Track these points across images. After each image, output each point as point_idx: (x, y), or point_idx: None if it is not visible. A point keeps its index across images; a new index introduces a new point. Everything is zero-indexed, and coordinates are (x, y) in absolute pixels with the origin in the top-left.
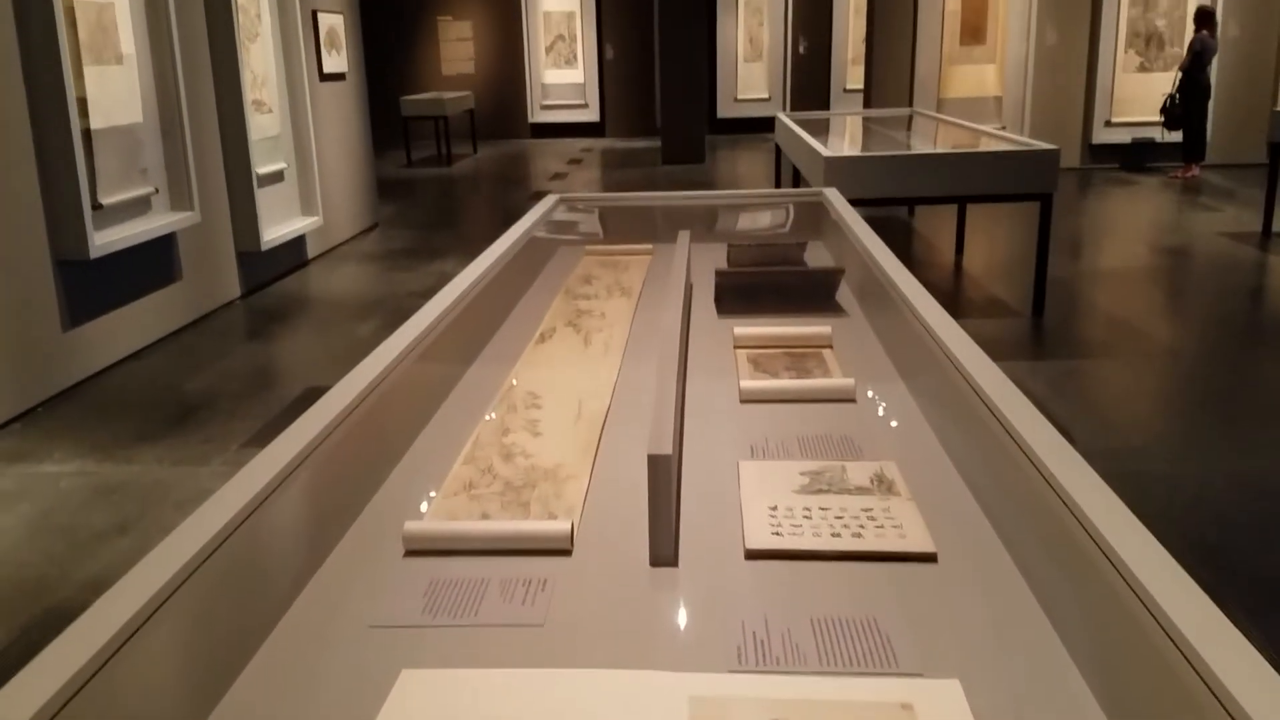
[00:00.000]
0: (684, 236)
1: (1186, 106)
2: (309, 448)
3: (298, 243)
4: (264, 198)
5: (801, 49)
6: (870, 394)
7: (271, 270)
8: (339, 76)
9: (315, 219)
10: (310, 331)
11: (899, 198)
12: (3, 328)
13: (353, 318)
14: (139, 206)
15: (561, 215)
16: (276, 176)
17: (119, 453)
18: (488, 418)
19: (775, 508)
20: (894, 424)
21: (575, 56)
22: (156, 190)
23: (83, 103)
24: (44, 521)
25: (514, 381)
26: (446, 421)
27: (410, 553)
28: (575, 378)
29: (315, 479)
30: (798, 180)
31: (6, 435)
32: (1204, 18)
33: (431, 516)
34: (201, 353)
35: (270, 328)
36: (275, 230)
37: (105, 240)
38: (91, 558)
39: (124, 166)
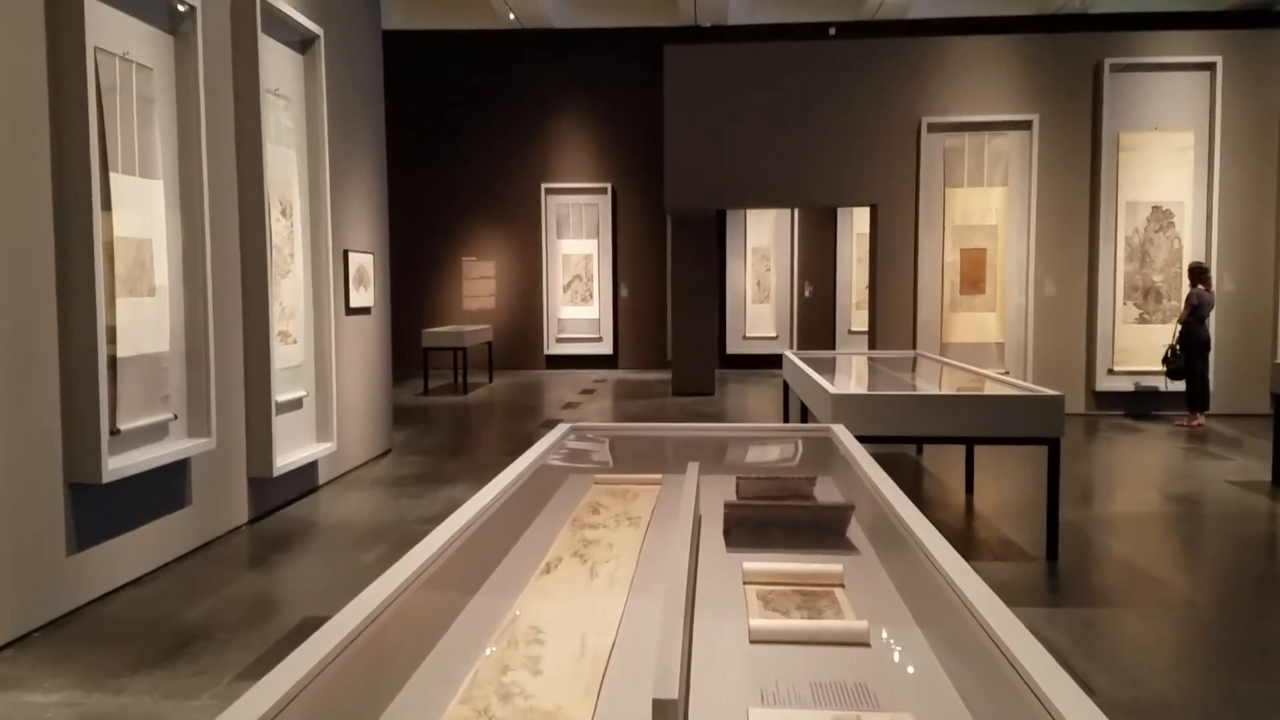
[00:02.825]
0: (693, 468)
1: (1188, 358)
2: (298, 686)
3: (309, 468)
4: (280, 424)
5: (807, 293)
6: (885, 637)
7: (281, 495)
8: (364, 310)
9: (329, 445)
10: (314, 559)
11: (906, 436)
12: (7, 550)
13: (358, 545)
14: (156, 432)
15: (572, 444)
16: (295, 404)
17: (110, 683)
18: (488, 652)
19: None
20: (910, 671)
21: (591, 294)
22: (175, 417)
23: (112, 330)
24: None
25: (517, 614)
26: (445, 656)
27: None
28: (580, 612)
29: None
30: (805, 416)
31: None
32: (1198, 273)
33: None
34: (203, 580)
35: (274, 555)
36: (288, 456)
37: (119, 465)
38: None
39: (146, 393)
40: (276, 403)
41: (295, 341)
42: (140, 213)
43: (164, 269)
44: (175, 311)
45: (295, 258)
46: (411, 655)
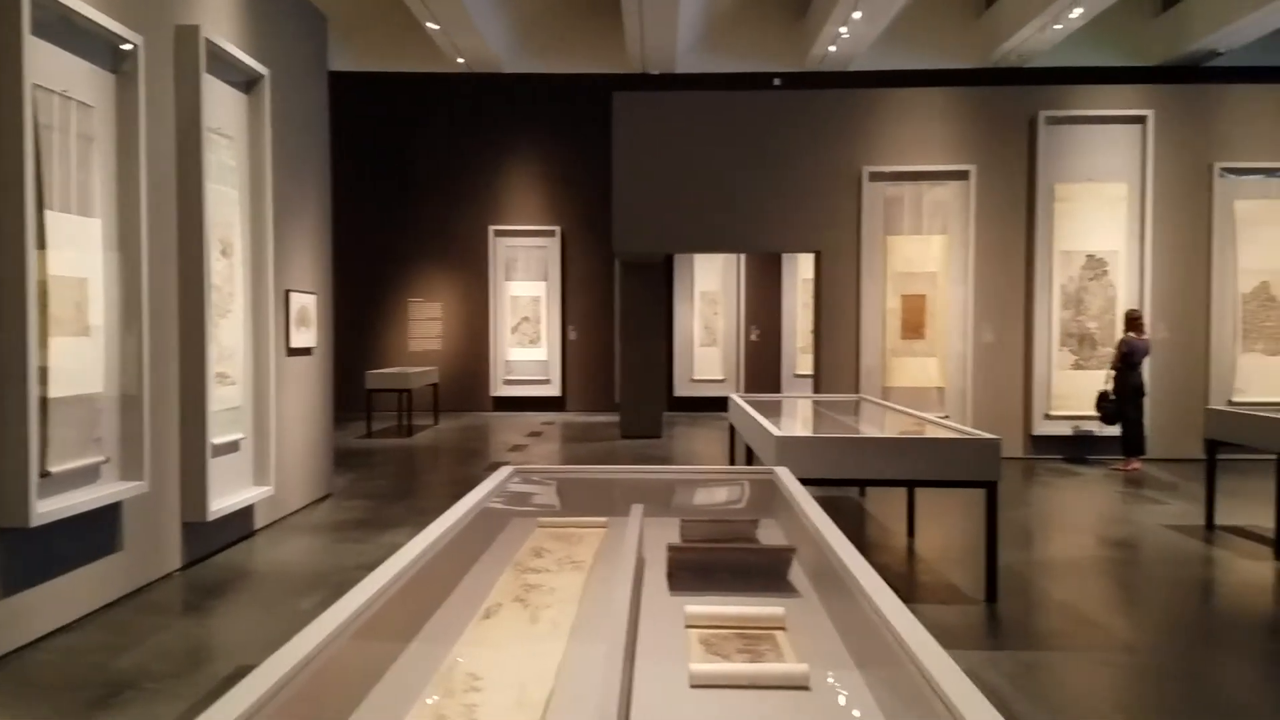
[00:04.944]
0: (636, 511)
1: (1120, 403)
2: None
3: (245, 512)
4: (216, 467)
5: (754, 336)
6: (825, 680)
7: (215, 541)
8: (306, 351)
9: (266, 489)
10: (249, 606)
11: (848, 479)
12: None
13: (295, 592)
14: (87, 475)
15: (516, 487)
16: (232, 446)
17: None
18: (430, 701)
19: None
20: (848, 714)
21: (539, 336)
22: (108, 459)
23: (44, 371)
24: None
25: (459, 660)
26: (378, 705)
27: None
28: (519, 658)
29: None
30: (751, 458)
31: None
32: (1131, 321)
33: None
34: (133, 628)
35: (208, 601)
36: (224, 501)
37: (48, 508)
38: None
39: (78, 435)
40: (213, 445)
41: (234, 383)
42: (77, 252)
43: (100, 309)
44: (110, 352)
45: (235, 298)
46: (343, 705)
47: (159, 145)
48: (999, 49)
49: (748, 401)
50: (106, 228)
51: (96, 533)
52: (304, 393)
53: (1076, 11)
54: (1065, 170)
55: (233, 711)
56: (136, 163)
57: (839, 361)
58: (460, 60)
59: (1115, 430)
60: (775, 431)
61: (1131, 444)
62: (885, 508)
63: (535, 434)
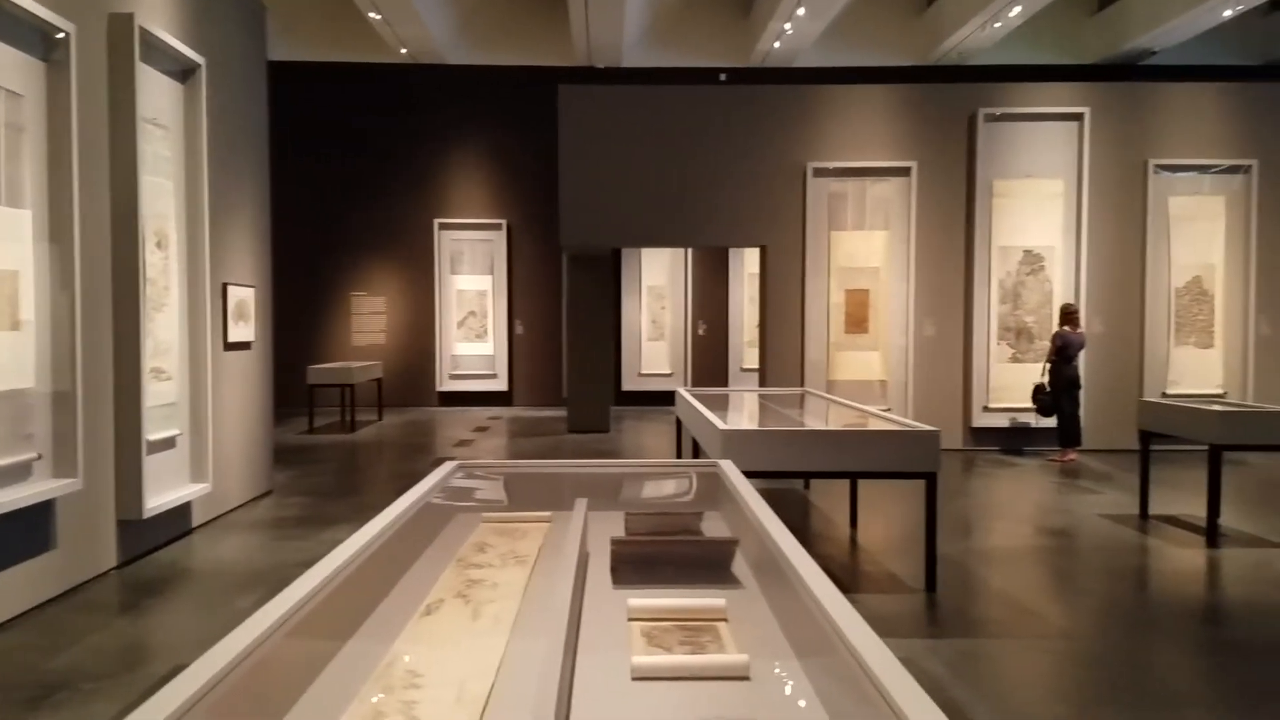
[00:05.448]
0: (580, 505)
1: (1055, 396)
2: None
3: (183, 509)
4: (153, 463)
5: (701, 330)
6: (765, 670)
7: (152, 539)
8: (244, 345)
9: (204, 485)
10: (187, 604)
11: (791, 471)
12: None
13: (234, 590)
14: (19, 472)
15: (460, 482)
16: (168, 443)
17: None
18: (375, 700)
19: None
20: (789, 706)
21: (486, 331)
22: (40, 456)
23: None
24: None
25: (406, 659)
26: (315, 703)
27: None
28: (460, 655)
29: None
30: (697, 451)
31: None
32: (1066, 315)
33: None
34: (68, 628)
35: (144, 600)
36: (160, 498)
37: None
38: None
39: (9, 432)
40: (148, 441)
41: (170, 378)
42: (7, 244)
43: (31, 302)
44: (42, 346)
45: (171, 291)
46: (279, 702)
47: (92, 136)
48: (940, 47)
49: (694, 395)
50: (37, 220)
51: (29, 531)
52: (242, 388)
53: (1015, 10)
54: (1004, 167)
55: (164, 709)
56: (68, 153)
57: (784, 355)
58: (403, 51)
59: (1051, 422)
60: (720, 425)
61: (1067, 435)
62: (828, 499)
63: (482, 429)
